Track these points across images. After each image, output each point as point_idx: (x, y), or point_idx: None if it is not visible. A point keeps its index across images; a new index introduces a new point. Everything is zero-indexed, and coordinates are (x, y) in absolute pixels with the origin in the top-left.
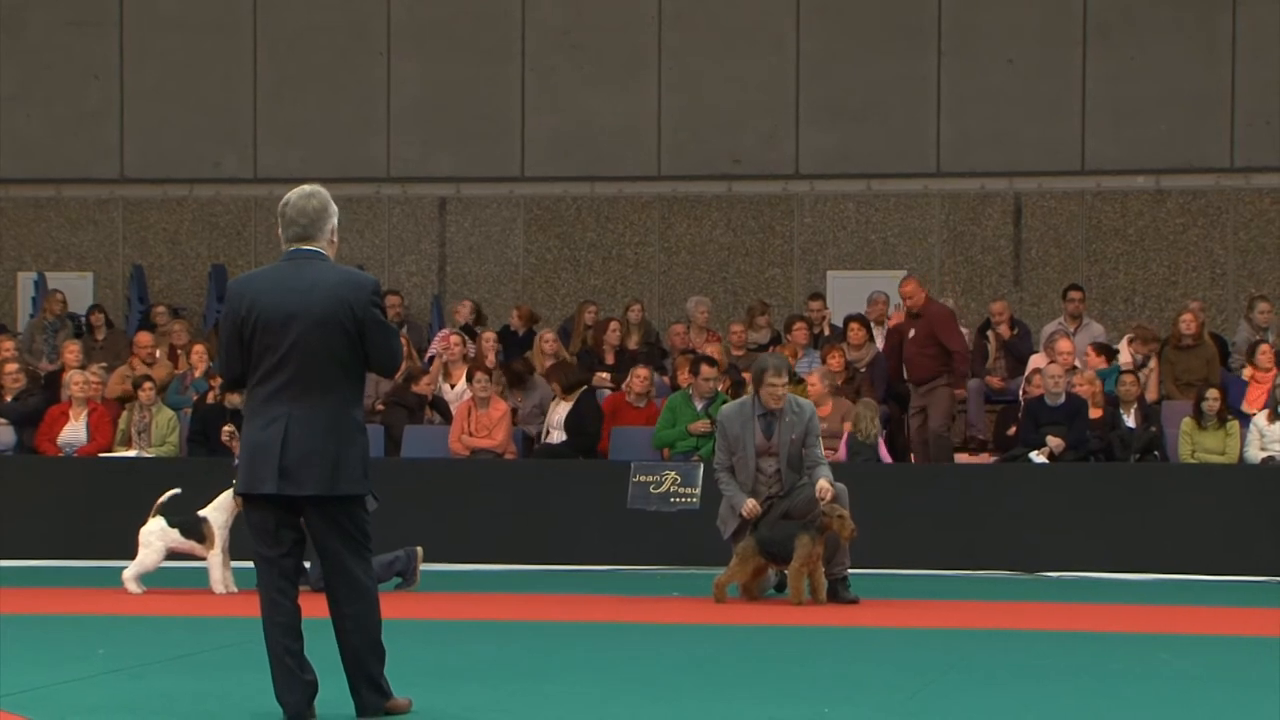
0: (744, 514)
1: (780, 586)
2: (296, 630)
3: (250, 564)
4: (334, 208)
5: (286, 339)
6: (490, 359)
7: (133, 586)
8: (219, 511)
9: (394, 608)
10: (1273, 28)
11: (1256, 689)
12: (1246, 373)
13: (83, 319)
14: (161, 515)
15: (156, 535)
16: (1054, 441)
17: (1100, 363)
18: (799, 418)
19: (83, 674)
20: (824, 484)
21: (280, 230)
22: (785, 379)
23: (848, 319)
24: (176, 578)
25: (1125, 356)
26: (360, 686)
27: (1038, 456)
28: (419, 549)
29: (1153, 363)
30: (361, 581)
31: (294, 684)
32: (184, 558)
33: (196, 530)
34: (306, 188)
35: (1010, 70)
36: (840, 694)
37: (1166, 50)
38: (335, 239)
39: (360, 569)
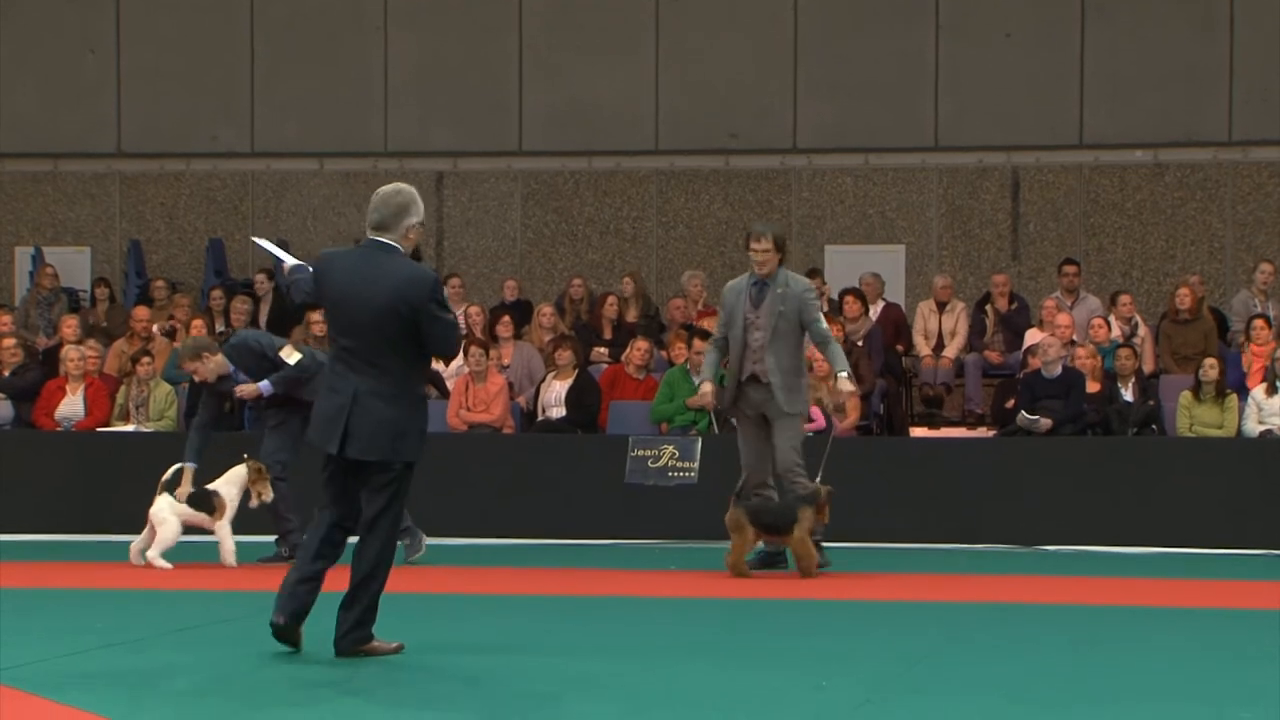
0: (701, 400)
1: (769, 562)
2: (324, 557)
3: (249, 538)
4: (417, 209)
5: (353, 320)
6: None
7: (161, 563)
8: (231, 485)
9: (386, 584)
10: (1271, 0)
11: (1254, 662)
12: (1247, 358)
13: (80, 293)
14: (167, 492)
15: (169, 510)
16: (1044, 423)
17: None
18: (790, 291)
19: (80, 648)
20: (846, 382)
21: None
22: (769, 244)
23: (843, 292)
24: (176, 552)
25: (1115, 331)
26: (341, 627)
27: (1030, 418)
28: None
29: (1143, 331)
30: (384, 533)
31: (291, 596)
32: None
33: (207, 503)
34: (399, 185)
35: (1008, 44)
36: (838, 666)
37: (1164, 24)
38: (413, 236)
39: (388, 527)
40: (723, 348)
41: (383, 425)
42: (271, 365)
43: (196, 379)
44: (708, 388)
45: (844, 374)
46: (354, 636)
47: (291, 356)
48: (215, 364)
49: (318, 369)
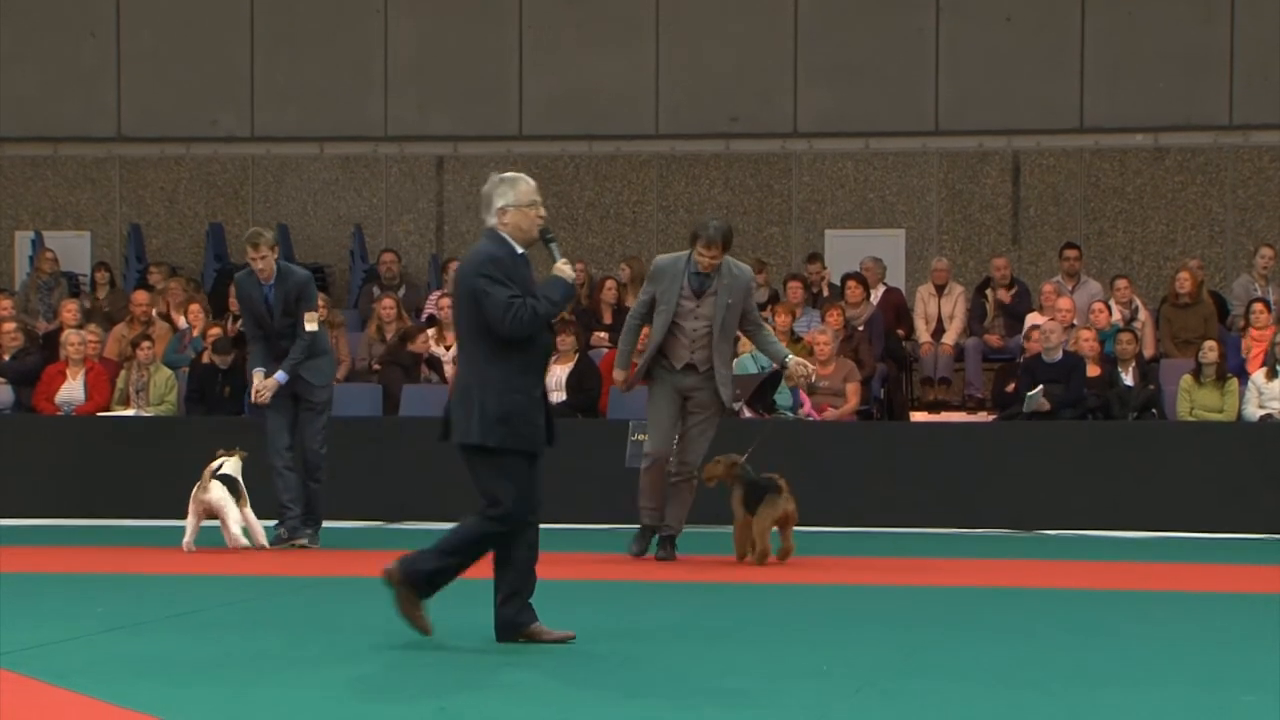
0: (616, 384)
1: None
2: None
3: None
4: (504, 193)
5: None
6: None
7: (244, 541)
8: (237, 472)
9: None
10: None
11: (1253, 646)
12: (1247, 342)
13: (80, 277)
14: (217, 480)
15: (229, 496)
16: (1042, 404)
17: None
18: (736, 281)
19: (81, 632)
20: (798, 363)
21: None
22: (718, 250)
23: (845, 277)
24: (173, 536)
25: (1115, 315)
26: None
27: (1032, 397)
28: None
29: (1144, 315)
30: (468, 521)
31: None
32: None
33: (236, 490)
34: (501, 174)
35: (1009, 28)
36: (838, 650)
37: (1164, 7)
38: (508, 219)
39: (479, 510)
40: (643, 324)
41: (453, 409)
42: (291, 311)
43: (257, 266)
44: (619, 376)
45: (790, 359)
46: (409, 584)
47: (310, 323)
48: (272, 267)
49: (319, 352)
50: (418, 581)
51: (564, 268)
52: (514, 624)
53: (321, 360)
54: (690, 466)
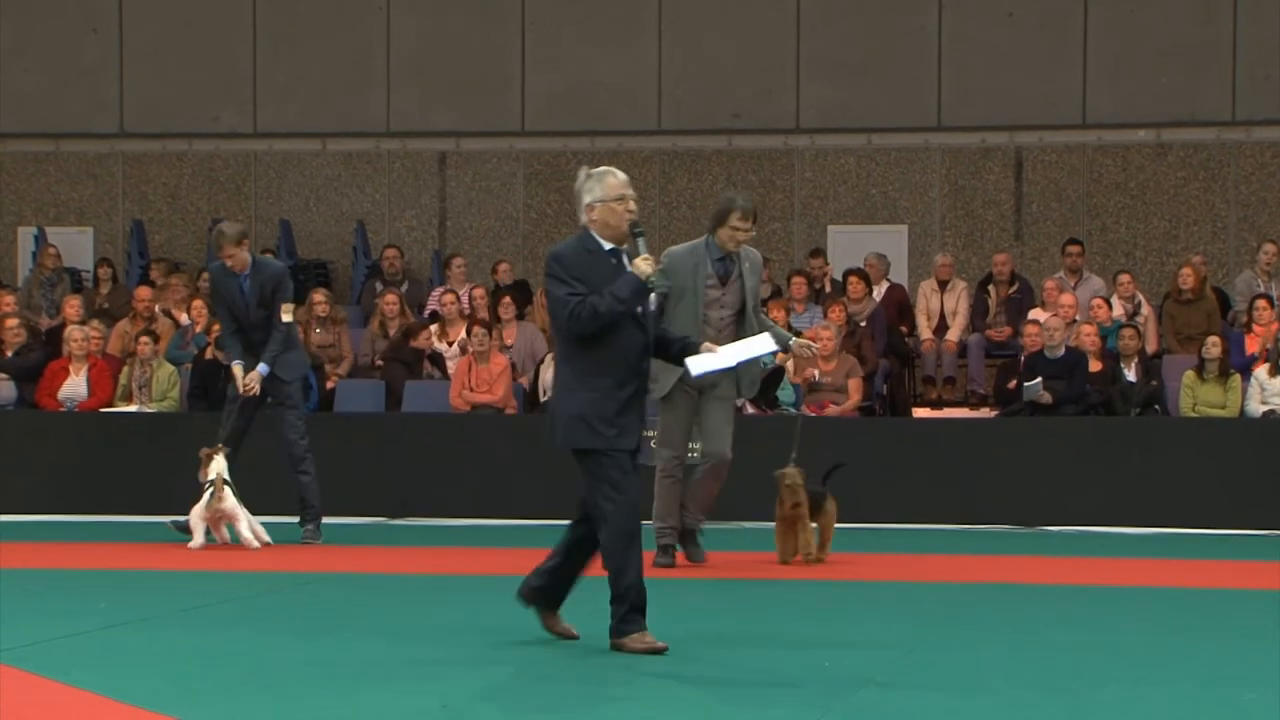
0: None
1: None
2: (560, 547)
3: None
4: (590, 188)
5: None
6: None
7: (256, 544)
8: (225, 471)
9: (390, 564)
10: None
11: (1255, 642)
12: (1252, 339)
13: (83, 273)
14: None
15: (239, 503)
16: (1044, 395)
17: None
18: (753, 264)
19: (84, 628)
20: (801, 344)
21: None
22: (751, 225)
23: (847, 272)
24: (175, 532)
25: (1118, 310)
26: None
27: (1031, 388)
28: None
29: (1146, 311)
30: (599, 522)
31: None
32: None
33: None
34: (592, 168)
35: (1011, 23)
36: (840, 647)
37: (1167, 3)
38: (595, 215)
39: (598, 515)
40: None
41: (549, 412)
42: (266, 303)
43: (230, 264)
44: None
45: (793, 341)
46: (612, 626)
47: (286, 314)
48: (244, 259)
49: (293, 344)
50: (633, 609)
51: (640, 263)
52: (536, 595)
53: (291, 354)
54: (719, 455)
